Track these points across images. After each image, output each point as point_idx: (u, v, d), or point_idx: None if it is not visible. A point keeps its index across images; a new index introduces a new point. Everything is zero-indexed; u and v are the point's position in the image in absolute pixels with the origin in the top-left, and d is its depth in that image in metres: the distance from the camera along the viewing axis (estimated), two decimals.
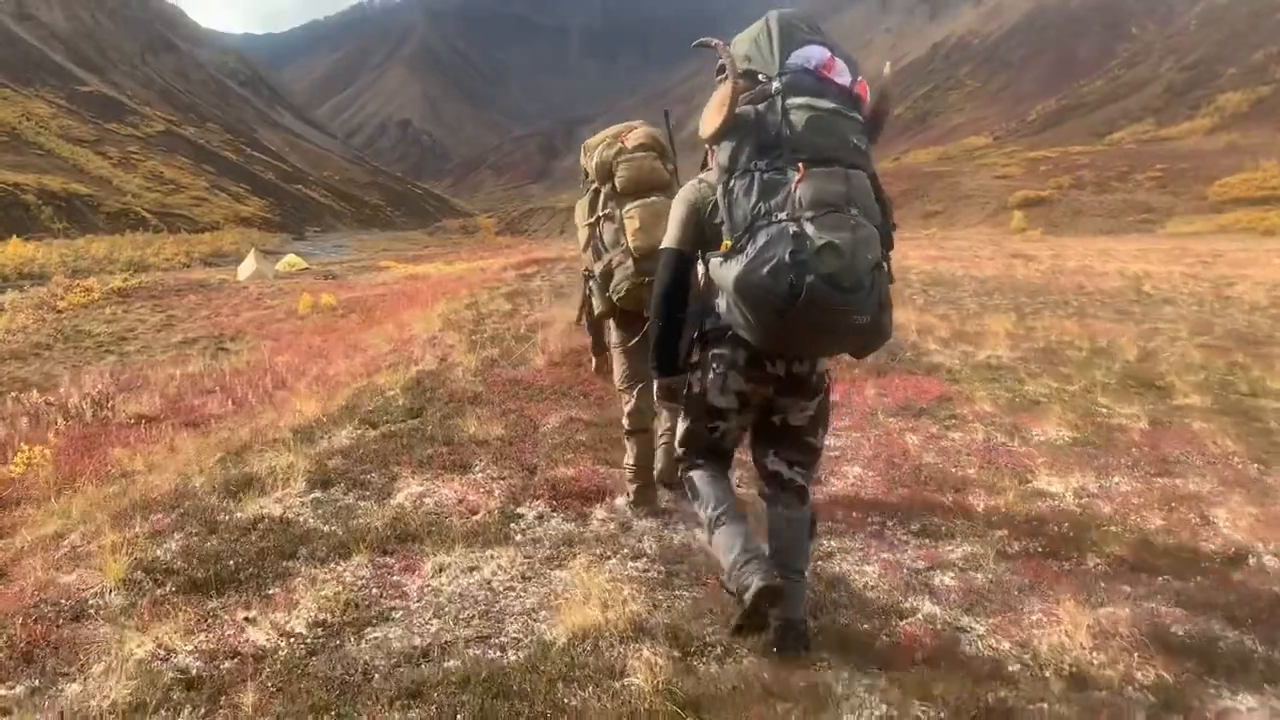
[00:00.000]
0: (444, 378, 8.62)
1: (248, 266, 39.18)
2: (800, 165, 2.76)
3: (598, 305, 4.43)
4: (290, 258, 48.68)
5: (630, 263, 4.18)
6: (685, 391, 3.22)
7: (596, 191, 4.35)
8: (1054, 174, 73.40)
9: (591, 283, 4.45)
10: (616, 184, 4.15)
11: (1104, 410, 6.75)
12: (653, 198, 4.17)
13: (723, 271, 2.82)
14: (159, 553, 4.11)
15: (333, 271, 42.73)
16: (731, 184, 2.85)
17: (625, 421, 4.57)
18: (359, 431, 6.62)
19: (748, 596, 2.89)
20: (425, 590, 3.74)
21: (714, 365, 3.05)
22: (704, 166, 3.26)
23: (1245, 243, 40.46)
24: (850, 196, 2.76)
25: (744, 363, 2.99)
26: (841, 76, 2.95)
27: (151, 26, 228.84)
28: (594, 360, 4.95)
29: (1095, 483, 5.05)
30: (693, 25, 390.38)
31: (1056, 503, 4.74)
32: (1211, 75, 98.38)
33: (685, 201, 3.12)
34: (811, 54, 2.94)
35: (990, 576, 3.79)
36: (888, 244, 2.88)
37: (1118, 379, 7.84)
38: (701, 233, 3.05)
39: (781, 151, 2.80)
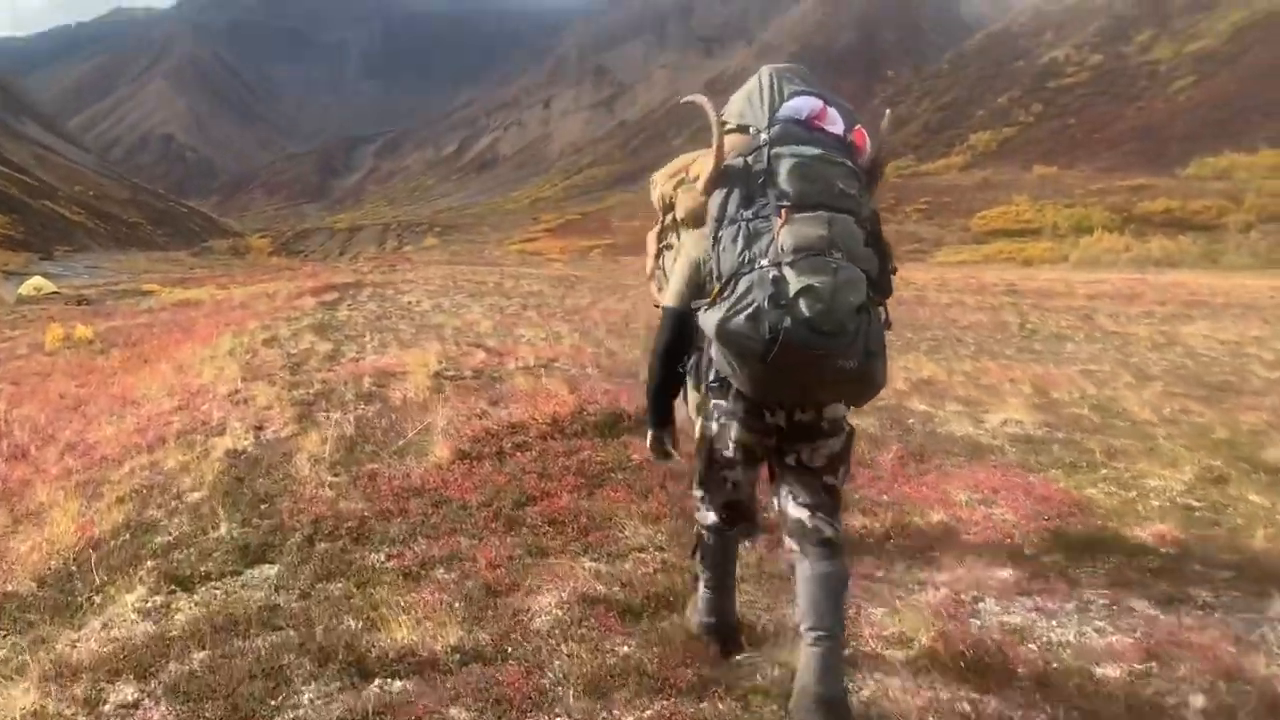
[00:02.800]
0: (279, 473, 5.77)
1: None
2: (783, 211, 2.68)
3: None
4: (36, 280, 41.87)
5: None
6: (698, 438, 3.05)
7: (663, 223, 4.04)
8: None
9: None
10: (677, 215, 3.72)
11: None
12: None
13: (706, 319, 2.73)
14: None
15: (87, 296, 36.60)
16: (720, 234, 2.80)
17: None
18: (161, 603, 3.80)
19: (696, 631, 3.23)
20: None
21: (716, 416, 2.93)
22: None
23: (1016, 271, 42.03)
24: (832, 240, 2.65)
25: (743, 413, 2.87)
26: (834, 125, 2.92)
27: None
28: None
29: None
30: (474, 48, 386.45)
31: None
32: (963, 116, 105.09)
33: (688, 257, 3.12)
34: (802, 105, 2.92)
35: None
36: (883, 289, 2.76)
37: (1208, 453, 6.00)
38: (701, 289, 2.94)
39: (767, 199, 2.74)
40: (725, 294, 2.68)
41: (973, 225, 65.25)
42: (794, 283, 2.57)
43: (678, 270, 3.13)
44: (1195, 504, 4.98)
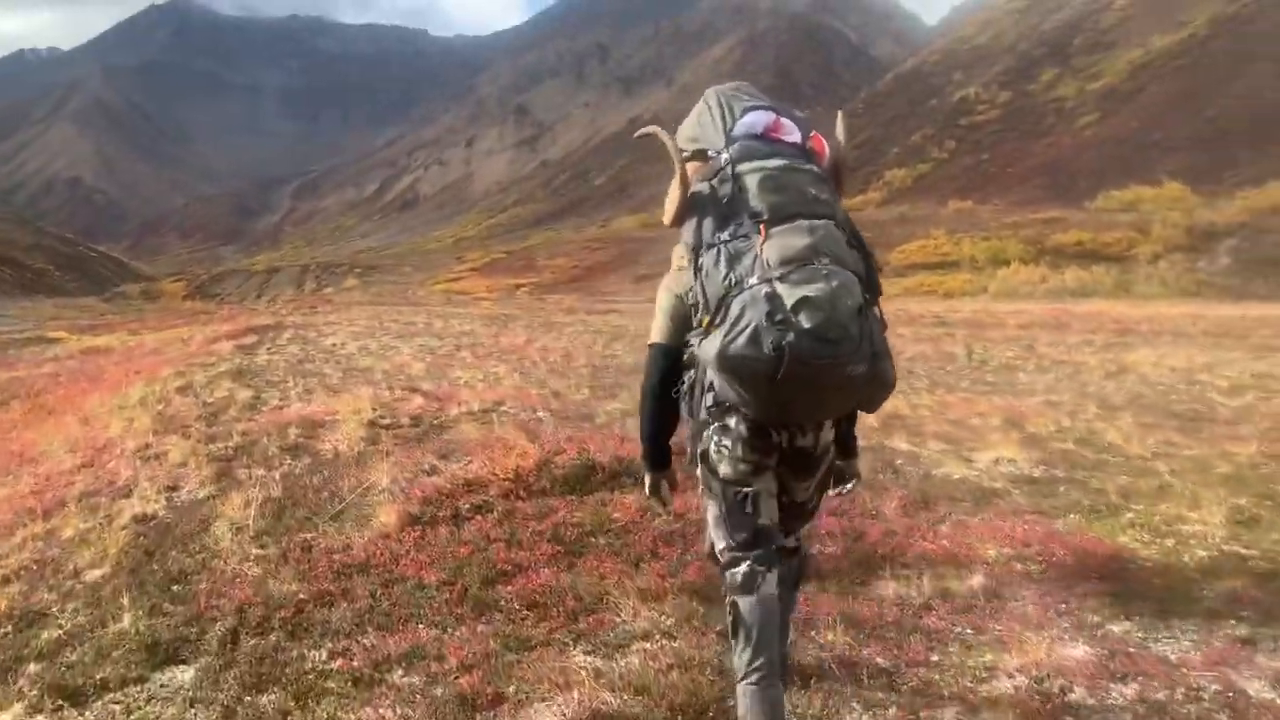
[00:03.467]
0: (195, 544, 4.92)
1: None
2: (761, 227, 2.63)
3: None
4: None
5: None
6: (705, 472, 2.86)
7: None
8: None
9: None
10: None
11: None
12: None
13: (703, 350, 2.64)
14: None
15: None
16: (700, 261, 2.71)
17: None
18: None
19: None
20: None
21: (720, 441, 2.77)
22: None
23: (940, 303, 42.39)
24: (817, 247, 2.59)
25: (748, 433, 2.72)
26: (791, 135, 2.87)
27: None
28: None
29: None
30: (394, 88, 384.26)
31: None
32: (879, 154, 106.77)
33: (668, 291, 2.99)
34: (756, 120, 2.87)
35: None
36: (874, 289, 2.70)
37: (1227, 491, 5.50)
38: (687, 322, 2.88)
39: (741, 219, 2.68)
40: (717, 320, 2.59)
41: (893, 259, 65.87)
42: (789, 296, 2.49)
43: (661, 306, 2.98)
44: (1246, 551, 4.45)
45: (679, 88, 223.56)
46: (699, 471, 2.90)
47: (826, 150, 2.92)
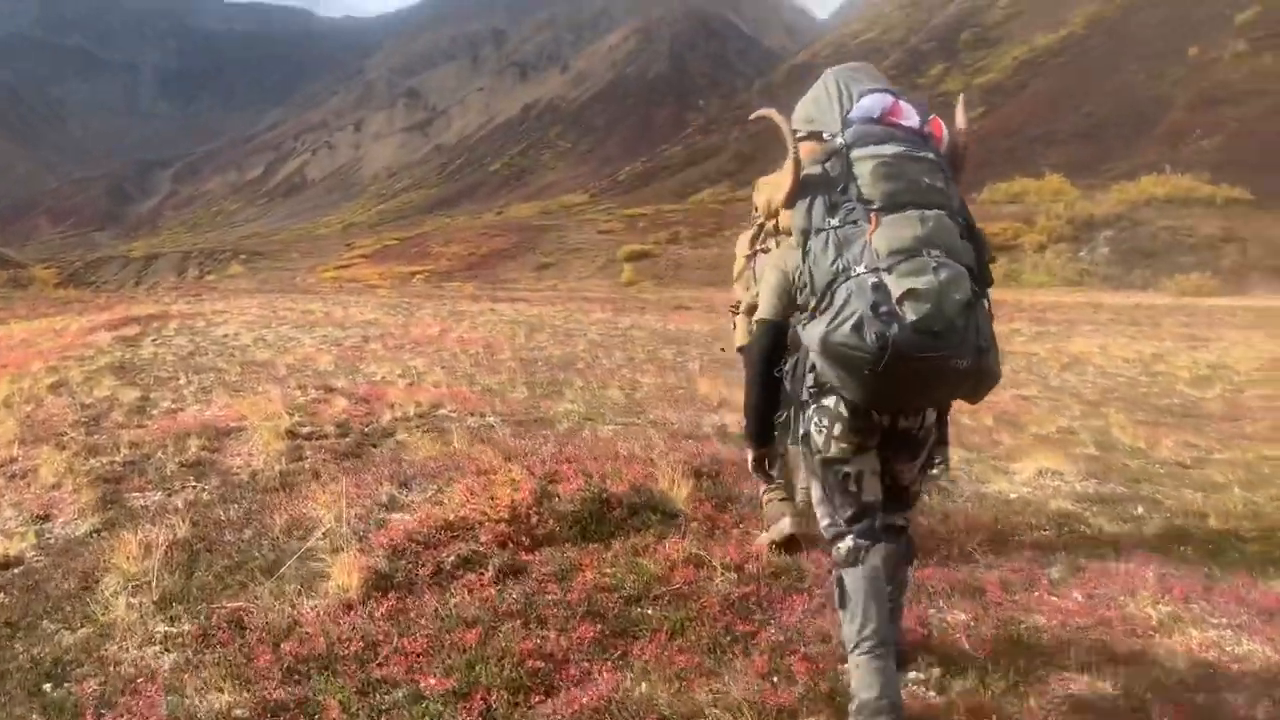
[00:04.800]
0: (74, 612, 3.60)
1: None
2: (872, 215, 2.58)
3: (739, 337, 4.43)
4: None
5: None
6: (806, 452, 2.83)
7: (761, 226, 4.25)
8: (652, 230, 74.79)
9: (736, 317, 4.53)
10: (780, 223, 3.48)
11: None
12: None
13: (807, 334, 2.61)
14: None
15: None
16: (809, 245, 2.66)
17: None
18: None
19: None
20: None
21: (820, 422, 2.71)
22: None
23: None
24: (928, 239, 2.51)
25: (849, 415, 2.65)
26: (909, 119, 2.77)
27: None
28: None
29: None
30: (278, 69, 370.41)
31: None
32: (774, 144, 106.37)
33: (777, 269, 2.89)
34: (874, 103, 2.77)
35: None
36: (984, 280, 2.63)
37: None
38: (794, 300, 2.77)
39: (853, 204, 2.61)
40: (823, 306, 2.57)
41: None
42: (895, 288, 2.46)
43: (768, 281, 2.92)
44: None
45: (574, 74, 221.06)
46: (800, 451, 2.91)
47: (945, 136, 2.82)
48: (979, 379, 2.57)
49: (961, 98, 3.04)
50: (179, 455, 6.31)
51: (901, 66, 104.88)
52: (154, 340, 16.06)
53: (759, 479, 3.35)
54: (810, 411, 2.75)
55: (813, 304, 2.59)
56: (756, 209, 4.42)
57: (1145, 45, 76.02)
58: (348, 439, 6.66)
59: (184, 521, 4.63)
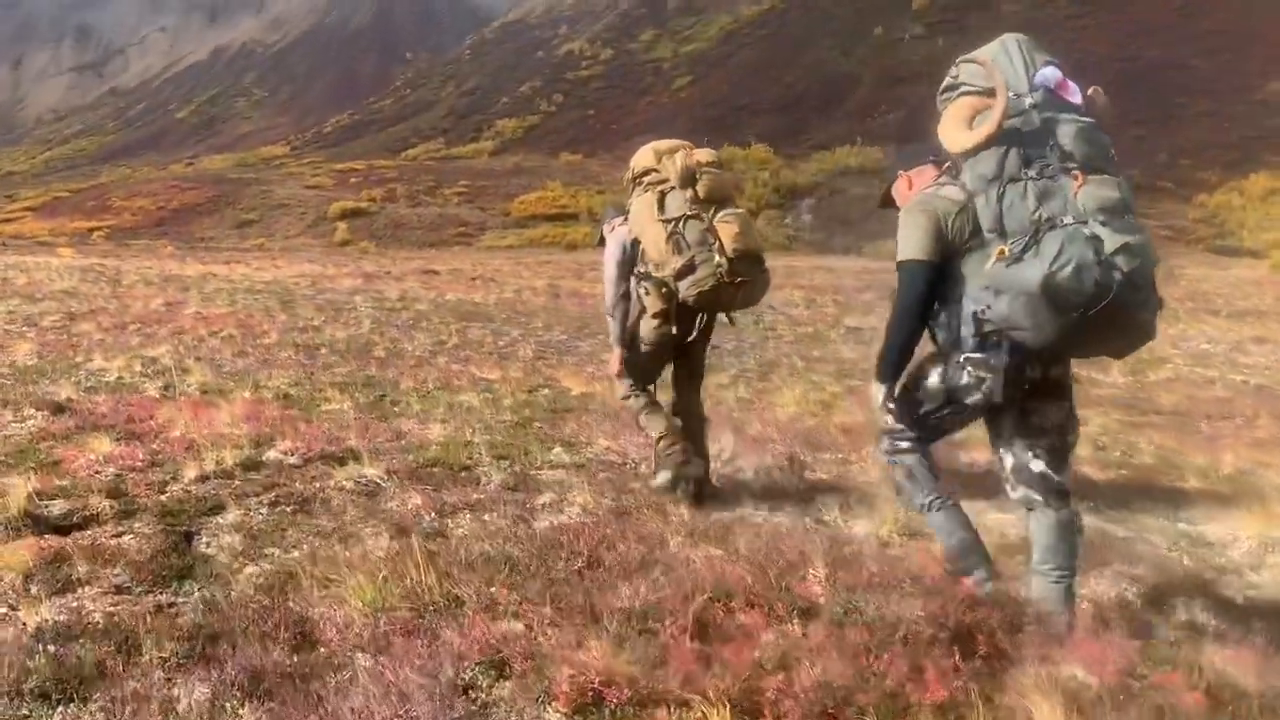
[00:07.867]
0: None
1: None
2: (1077, 173, 2.74)
3: (653, 304, 4.47)
4: None
5: (724, 262, 4.21)
6: (924, 385, 3.10)
7: (662, 194, 4.34)
8: (365, 186, 70.18)
9: (646, 282, 4.50)
10: (699, 191, 4.23)
11: None
12: (739, 209, 4.39)
13: (1011, 274, 2.71)
14: None
15: None
16: (1004, 191, 2.78)
17: (636, 408, 4.74)
18: None
19: (970, 582, 2.98)
20: None
21: (968, 368, 2.93)
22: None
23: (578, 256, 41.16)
24: (1127, 204, 2.72)
25: (1011, 367, 2.85)
26: (1074, 96, 2.90)
27: None
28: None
29: None
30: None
31: None
32: (489, 103, 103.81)
33: (927, 213, 2.98)
34: (1051, 74, 2.90)
35: None
36: None
37: None
38: (950, 240, 2.94)
39: (1049, 160, 2.77)
40: (1025, 251, 2.68)
41: (513, 210, 64.32)
42: (1110, 240, 2.60)
43: (916, 224, 2.99)
44: None
45: (270, 18, 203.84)
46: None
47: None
48: (1147, 333, 2.78)
49: (1097, 89, 3.01)
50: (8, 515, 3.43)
51: (614, 30, 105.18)
52: None
53: (887, 414, 3.18)
54: (961, 359, 2.95)
55: (1006, 248, 2.72)
56: (640, 177, 4.53)
57: (837, 22, 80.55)
58: (149, 539, 3.86)
59: None
